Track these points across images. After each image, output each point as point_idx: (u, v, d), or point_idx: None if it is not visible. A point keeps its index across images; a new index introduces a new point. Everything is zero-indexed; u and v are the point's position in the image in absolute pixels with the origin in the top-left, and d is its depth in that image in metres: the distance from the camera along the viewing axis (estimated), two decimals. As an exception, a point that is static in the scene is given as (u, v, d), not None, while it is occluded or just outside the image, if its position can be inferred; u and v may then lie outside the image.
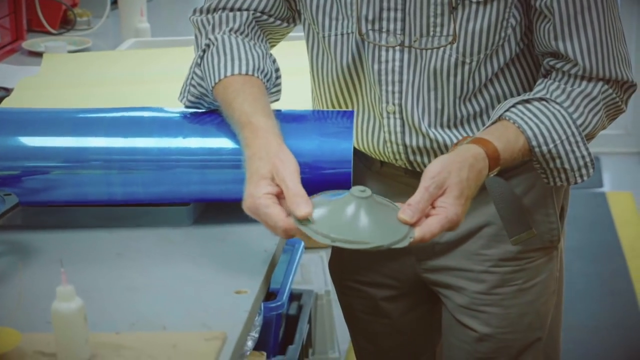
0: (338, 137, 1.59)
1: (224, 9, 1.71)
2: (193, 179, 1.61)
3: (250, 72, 1.60)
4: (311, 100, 1.82)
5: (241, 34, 1.69)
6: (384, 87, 1.65)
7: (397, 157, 1.70)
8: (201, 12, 1.73)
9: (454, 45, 1.59)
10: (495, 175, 1.65)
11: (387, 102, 1.66)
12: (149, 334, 1.34)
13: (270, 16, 1.72)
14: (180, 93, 1.68)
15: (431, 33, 1.60)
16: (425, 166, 1.68)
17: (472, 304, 1.77)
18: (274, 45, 1.80)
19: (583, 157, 1.59)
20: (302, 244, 2.81)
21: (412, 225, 1.40)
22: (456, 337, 1.82)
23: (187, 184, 1.62)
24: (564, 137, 1.57)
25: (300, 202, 1.38)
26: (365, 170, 1.79)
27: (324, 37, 1.68)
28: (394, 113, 1.67)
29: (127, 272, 1.51)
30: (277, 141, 1.47)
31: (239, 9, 1.70)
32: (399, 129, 1.68)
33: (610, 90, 1.61)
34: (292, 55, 1.97)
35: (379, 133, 1.70)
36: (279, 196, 1.42)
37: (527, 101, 1.58)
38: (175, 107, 1.69)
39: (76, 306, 1.24)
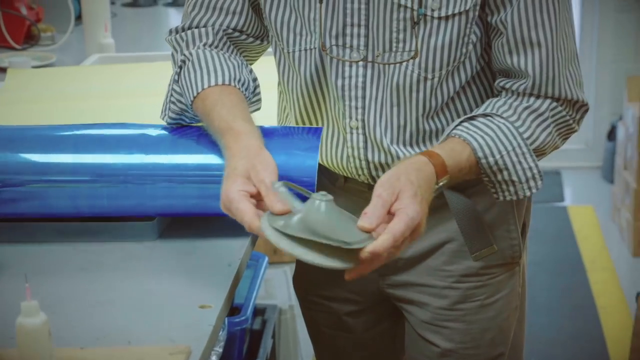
0: (304, 155, 1.60)
1: (197, 27, 1.72)
2: (158, 193, 1.62)
3: (227, 82, 1.62)
4: (281, 113, 1.83)
5: (215, 47, 1.70)
6: (347, 103, 1.67)
7: (360, 172, 1.72)
8: (176, 31, 1.74)
9: (416, 61, 1.61)
10: (457, 193, 1.67)
11: (351, 118, 1.68)
12: (114, 349, 1.34)
13: (242, 33, 1.73)
14: (162, 111, 1.70)
15: (394, 48, 1.62)
16: (388, 182, 1.71)
17: (434, 319, 1.78)
18: (250, 63, 1.80)
19: (530, 168, 1.60)
20: (266, 259, 2.82)
21: (372, 231, 1.41)
22: (419, 353, 1.83)
23: (152, 199, 1.62)
24: (509, 147, 1.58)
25: (278, 201, 1.41)
26: (329, 185, 1.80)
27: (288, 52, 1.70)
28: (357, 128, 1.68)
29: (92, 287, 1.52)
30: (257, 144, 1.49)
31: (212, 26, 1.72)
32: (361, 144, 1.69)
33: (560, 109, 1.62)
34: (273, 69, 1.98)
35: (342, 148, 1.72)
36: (254, 197, 1.44)
37: (472, 118, 1.60)
38: (142, 122, 1.70)
39: (40, 321, 1.24)
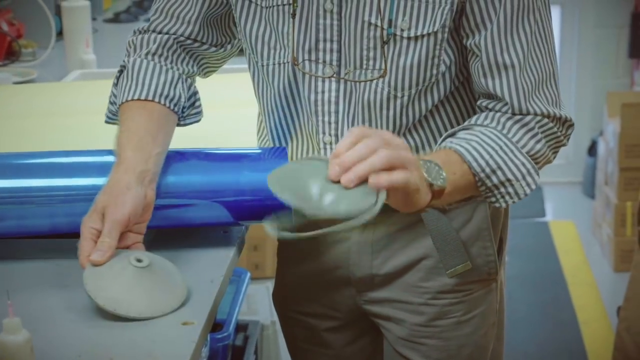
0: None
1: (154, 31, 1.75)
2: None
3: (150, 97, 1.65)
4: (259, 127, 1.84)
5: (159, 56, 1.72)
6: (320, 118, 1.67)
7: (335, 187, 1.72)
8: (134, 33, 1.77)
9: (385, 79, 1.62)
10: (433, 209, 1.67)
11: (324, 133, 1.68)
12: (95, 366, 1.34)
13: (196, 41, 1.75)
14: (106, 111, 1.74)
15: (364, 66, 1.62)
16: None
17: (411, 336, 1.78)
18: (210, 70, 1.82)
19: (524, 164, 1.57)
20: (249, 274, 2.82)
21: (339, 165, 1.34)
22: (397, 369, 1.83)
23: None
24: (496, 147, 1.55)
25: (98, 250, 1.50)
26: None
27: (262, 65, 1.70)
28: (330, 144, 1.69)
29: (74, 304, 1.51)
30: (127, 182, 1.54)
31: (165, 33, 1.74)
32: None
33: (547, 121, 1.61)
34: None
35: None
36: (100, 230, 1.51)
37: (452, 134, 1.59)
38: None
39: (23, 338, 1.24)
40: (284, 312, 1.93)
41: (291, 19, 1.64)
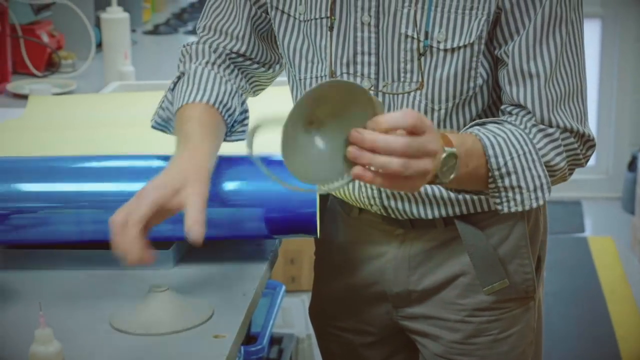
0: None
1: (204, 43, 1.75)
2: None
3: (211, 103, 1.63)
4: None
5: (218, 67, 1.72)
6: None
7: (372, 202, 1.72)
8: (188, 44, 1.77)
9: (422, 91, 1.61)
10: (470, 226, 1.66)
11: None
12: (127, 379, 1.34)
13: (246, 58, 1.75)
14: (152, 118, 1.73)
15: (401, 78, 1.62)
16: (400, 212, 1.71)
17: (447, 352, 1.77)
18: (259, 88, 1.82)
19: (539, 177, 1.57)
20: (284, 287, 2.82)
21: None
22: (433, 385, 1.82)
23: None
24: (520, 152, 1.55)
25: (195, 225, 1.40)
26: (344, 216, 1.80)
27: (300, 79, 1.70)
28: None
29: (106, 315, 1.51)
30: (201, 159, 1.50)
31: (216, 48, 1.74)
32: None
33: (572, 137, 1.60)
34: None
35: None
36: (164, 205, 1.44)
37: (482, 123, 1.59)
38: (160, 151, 1.71)
39: (54, 349, 1.24)
40: (321, 326, 1.93)
41: (329, 33, 1.64)
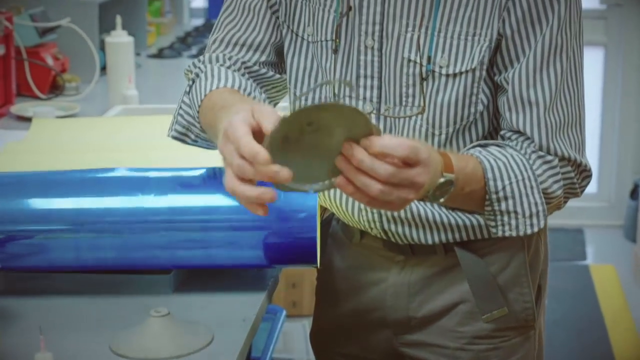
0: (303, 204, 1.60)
1: (217, 54, 1.73)
2: (160, 242, 1.62)
3: (236, 87, 1.61)
4: None
5: (234, 71, 1.70)
6: None
7: (372, 225, 1.72)
8: (198, 59, 1.74)
9: (424, 116, 1.62)
10: (470, 253, 1.66)
11: None
12: (126, 403, 1.34)
13: (262, 66, 1.74)
14: (169, 128, 1.70)
15: (403, 102, 1.63)
16: (400, 236, 1.71)
17: (447, 380, 1.77)
18: (273, 102, 1.81)
19: (536, 204, 1.58)
20: (284, 312, 2.81)
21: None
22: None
23: (156, 248, 1.62)
24: (519, 177, 1.56)
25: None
26: (346, 241, 1.81)
27: (305, 99, 1.71)
28: None
29: (107, 340, 1.52)
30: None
31: (230, 57, 1.72)
32: None
33: (570, 168, 1.61)
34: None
35: (353, 200, 1.72)
36: (255, 130, 1.35)
37: (484, 145, 1.60)
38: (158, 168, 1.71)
39: (54, 374, 1.25)
40: (321, 352, 1.93)
41: (333, 55, 1.65)
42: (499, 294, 1.69)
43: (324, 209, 1.81)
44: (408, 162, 1.34)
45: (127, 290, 1.67)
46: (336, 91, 1.66)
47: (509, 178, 1.55)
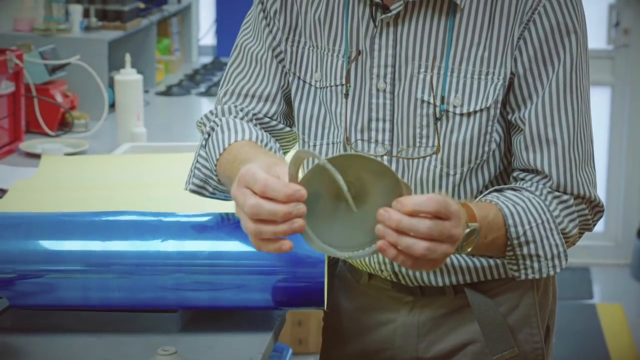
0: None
1: (228, 105, 1.74)
2: (168, 284, 1.63)
3: (253, 139, 1.62)
4: None
5: (249, 122, 1.71)
6: None
7: (383, 267, 1.72)
8: (209, 111, 1.75)
9: (438, 156, 1.62)
10: (480, 294, 1.66)
11: None
12: None
13: (272, 119, 1.74)
14: (186, 181, 1.70)
15: (417, 144, 1.63)
16: (410, 278, 1.71)
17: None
18: (284, 151, 1.80)
19: (557, 245, 1.59)
20: (290, 350, 2.80)
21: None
22: None
23: (164, 290, 1.63)
24: (539, 221, 1.57)
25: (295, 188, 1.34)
26: (354, 283, 1.80)
27: (314, 145, 1.71)
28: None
29: (114, 379, 1.52)
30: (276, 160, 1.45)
31: (241, 109, 1.73)
32: None
33: (584, 206, 1.62)
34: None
35: None
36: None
37: (500, 190, 1.60)
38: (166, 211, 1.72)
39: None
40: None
41: (344, 99, 1.65)
42: (509, 335, 1.69)
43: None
44: (440, 217, 1.36)
45: (134, 328, 1.67)
46: (348, 134, 1.67)
47: (529, 223, 1.56)
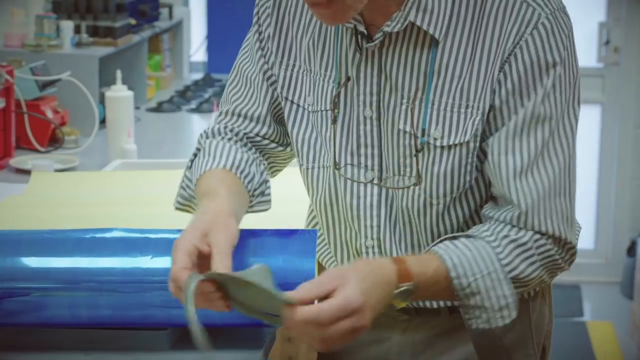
0: (301, 258, 1.60)
1: (222, 125, 1.75)
2: (156, 301, 1.62)
3: (227, 167, 1.64)
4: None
5: (235, 142, 1.72)
6: (362, 222, 1.68)
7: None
8: (206, 129, 1.77)
9: (421, 186, 1.62)
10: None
11: (366, 237, 1.69)
12: None
13: (264, 138, 1.75)
14: (175, 198, 1.72)
15: (401, 172, 1.63)
16: (403, 302, 1.71)
17: None
18: (277, 169, 1.82)
19: (505, 297, 1.56)
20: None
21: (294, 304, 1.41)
22: None
23: (152, 308, 1.62)
24: (485, 272, 1.55)
25: (220, 261, 1.44)
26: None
27: (307, 168, 1.72)
28: (373, 247, 1.69)
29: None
30: (228, 211, 1.52)
31: (232, 128, 1.74)
32: None
33: (546, 243, 1.57)
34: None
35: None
36: (203, 256, 1.47)
37: (454, 237, 1.59)
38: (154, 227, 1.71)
39: None
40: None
41: (332, 125, 1.66)
42: (504, 356, 1.68)
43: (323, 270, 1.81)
44: (341, 318, 1.40)
45: (124, 346, 1.66)
46: (337, 159, 1.67)
47: (474, 274, 1.54)
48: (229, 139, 1.72)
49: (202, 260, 1.47)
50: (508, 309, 1.56)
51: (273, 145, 1.76)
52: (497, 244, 1.57)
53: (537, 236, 1.57)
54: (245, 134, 1.74)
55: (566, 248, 1.60)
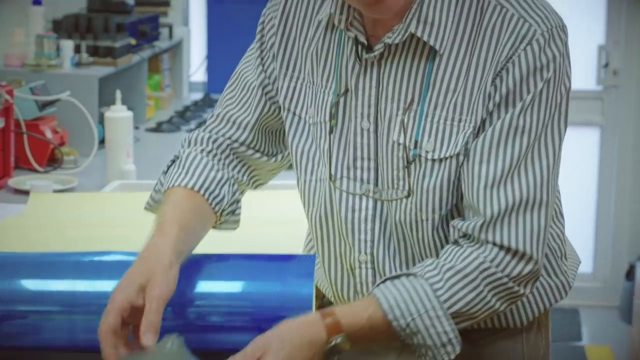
0: (298, 282, 1.60)
1: (207, 131, 1.76)
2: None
3: (196, 189, 1.65)
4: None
5: (214, 156, 1.73)
6: (356, 236, 1.67)
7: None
8: (192, 132, 1.77)
9: (412, 199, 1.62)
10: (467, 344, 1.65)
11: (360, 252, 1.68)
12: None
13: (248, 148, 1.76)
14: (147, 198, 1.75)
15: (395, 185, 1.63)
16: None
17: None
18: (260, 182, 1.82)
19: (446, 332, 1.55)
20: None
21: None
22: None
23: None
24: (422, 310, 1.54)
25: (148, 332, 1.46)
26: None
27: (304, 181, 1.72)
28: (366, 262, 1.68)
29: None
30: (170, 257, 1.54)
31: (220, 136, 1.75)
32: (370, 279, 1.69)
33: (493, 269, 1.55)
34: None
35: (348, 283, 1.72)
36: (139, 309, 1.50)
37: (397, 277, 1.58)
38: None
39: None
40: None
41: (329, 136, 1.66)
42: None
43: (321, 295, 1.80)
44: None
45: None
46: (333, 171, 1.67)
47: (411, 314, 1.54)
48: (209, 152, 1.73)
49: (136, 312, 1.50)
50: (451, 344, 1.56)
51: (257, 155, 1.76)
52: (439, 279, 1.55)
53: (486, 264, 1.55)
54: (229, 144, 1.75)
55: (528, 266, 1.56)
